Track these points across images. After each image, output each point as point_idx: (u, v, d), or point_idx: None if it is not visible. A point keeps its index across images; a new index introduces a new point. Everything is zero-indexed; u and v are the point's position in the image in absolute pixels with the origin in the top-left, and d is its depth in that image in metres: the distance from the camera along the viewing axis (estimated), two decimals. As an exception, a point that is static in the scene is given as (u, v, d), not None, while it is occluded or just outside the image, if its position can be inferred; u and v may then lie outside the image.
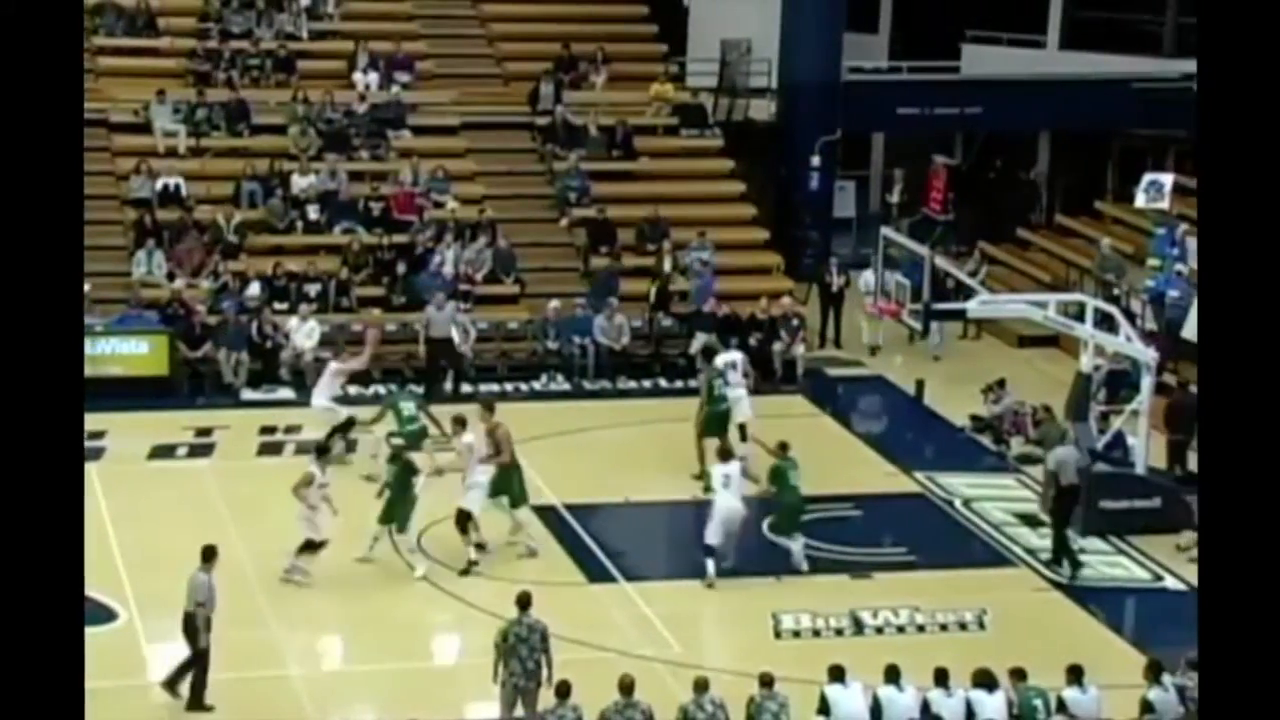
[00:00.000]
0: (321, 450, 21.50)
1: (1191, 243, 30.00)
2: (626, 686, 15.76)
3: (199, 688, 17.57)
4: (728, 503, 20.70)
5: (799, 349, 28.97)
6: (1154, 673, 16.52)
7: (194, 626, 17.50)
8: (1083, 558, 21.81)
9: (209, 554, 17.88)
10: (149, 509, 22.42)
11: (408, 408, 23.18)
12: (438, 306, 27.74)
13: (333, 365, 24.69)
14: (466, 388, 27.44)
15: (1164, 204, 29.85)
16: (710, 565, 20.66)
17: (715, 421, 23.76)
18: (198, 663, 17.59)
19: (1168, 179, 30.32)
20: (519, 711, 16.67)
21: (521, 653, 16.68)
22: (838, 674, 16.19)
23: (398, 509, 20.90)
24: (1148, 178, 30.44)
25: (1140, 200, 30.20)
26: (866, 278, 28.73)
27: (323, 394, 24.40)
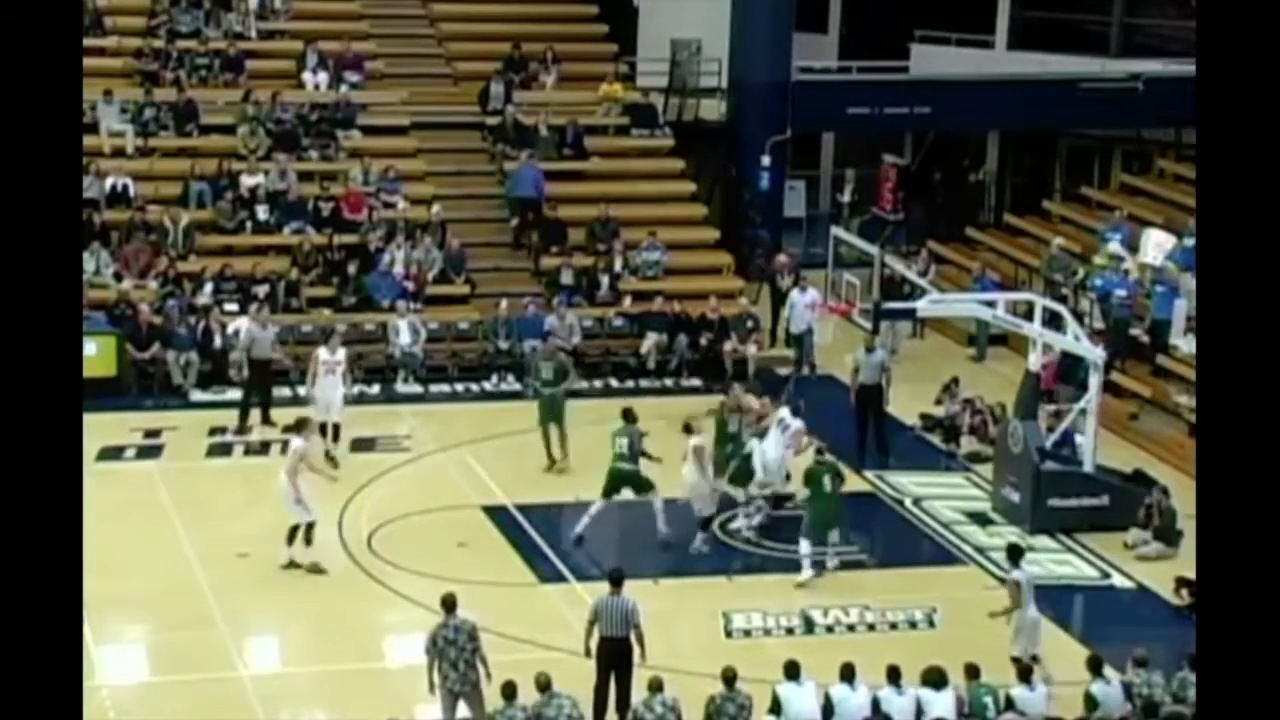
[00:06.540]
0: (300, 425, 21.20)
1: (1144, 239, 30.11)
2: (543, 684, 15.62)
3: None
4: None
5: (751, 348, 29.03)
6: (1094, 666, 16.63)
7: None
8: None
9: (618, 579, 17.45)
10: (97, 511, 22.16)
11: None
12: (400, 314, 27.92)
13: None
14: (416, 388, 27.54)
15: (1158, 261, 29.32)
16: None
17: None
18: None
19: (1169, 240, 29.60)
20: (462, 713, 16.57)
21: (450, 655, 16.42)
22: (792, 671, 16.20)
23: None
24: (1152, 238, 29.87)
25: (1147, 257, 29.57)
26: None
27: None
